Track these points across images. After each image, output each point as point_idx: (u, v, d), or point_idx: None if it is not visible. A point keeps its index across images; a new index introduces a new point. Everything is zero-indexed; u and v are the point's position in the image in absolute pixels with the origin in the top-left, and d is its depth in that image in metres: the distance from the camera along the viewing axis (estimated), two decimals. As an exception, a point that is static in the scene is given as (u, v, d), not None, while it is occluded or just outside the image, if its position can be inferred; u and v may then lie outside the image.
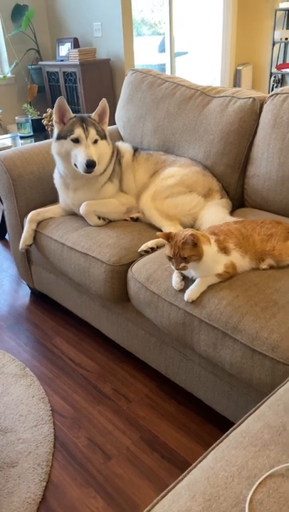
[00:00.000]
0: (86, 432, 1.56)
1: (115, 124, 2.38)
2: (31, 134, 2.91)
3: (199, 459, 0.78)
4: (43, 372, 1.83)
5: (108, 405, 1.66)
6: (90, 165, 1.68)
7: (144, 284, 1.50)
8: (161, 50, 5.32)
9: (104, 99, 1.76)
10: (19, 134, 2.91)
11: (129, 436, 1.53)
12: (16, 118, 2.83)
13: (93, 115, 1.79)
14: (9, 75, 4.40)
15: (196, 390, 1.54)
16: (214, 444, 0.81)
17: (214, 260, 1.36)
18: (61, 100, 1.72)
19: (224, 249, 1.38)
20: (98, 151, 1.75)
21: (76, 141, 1.71)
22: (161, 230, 1.78)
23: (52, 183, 2.00)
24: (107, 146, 1.82)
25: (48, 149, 2.09)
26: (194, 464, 0.77)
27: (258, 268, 1.43)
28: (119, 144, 2.00)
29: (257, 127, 1.83)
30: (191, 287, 1.37)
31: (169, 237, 1.34)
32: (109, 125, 2.16)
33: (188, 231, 1.32)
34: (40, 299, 2.33)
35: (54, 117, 1.75)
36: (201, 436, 1.52)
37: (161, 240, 1.69)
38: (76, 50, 4.14)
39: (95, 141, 1.74)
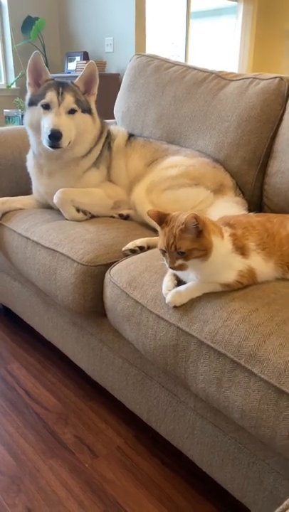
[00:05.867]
0: (27, 498, 1.09)
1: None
2: (20, 130, 2.57)
3: None
4: (-14, 406, 1.38)
5: (65, 459, 1.20)
6: (54, 135, 1.31)
7: (124, 290, 1.08)
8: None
9: (91, 61, 1.41)
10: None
11: (88, 511, 1.06)
12: (5, 111, 2.51)
13: (77, 81, 1.44)
14: (14, 86, 4.17)
15: (187, 448, 1.09)
16: None
17: (225, 263, 0.95)
18: (37, 56, 1.38)
19: (242, 249, 0.97)
20: (75, 124, 1.39)
21: (47, 107, 1.36)
22: (154, 229, 1.39)
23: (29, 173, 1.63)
24: (90, 121, 1.45)
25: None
26: None
27: (284, 278, 1.02)
28: (112, 126, 1.64)
29: (283, 113, 1.47)
30: (180, 288, 0.96)
31: (163, 219, 0.93)
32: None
33: (191, 213, 0.91)
34: (4, 315, 1.90)
35: (28, 78, 1.40)
36: (192, 517, 1.05)
37: (155, 239, 1.29)
38: (85, 61, 3.93)
39: (72, 112, 1.38)
